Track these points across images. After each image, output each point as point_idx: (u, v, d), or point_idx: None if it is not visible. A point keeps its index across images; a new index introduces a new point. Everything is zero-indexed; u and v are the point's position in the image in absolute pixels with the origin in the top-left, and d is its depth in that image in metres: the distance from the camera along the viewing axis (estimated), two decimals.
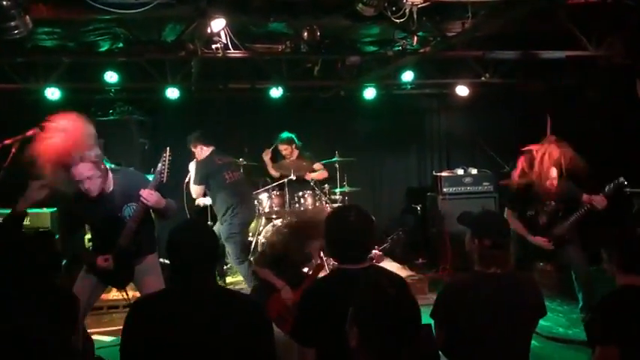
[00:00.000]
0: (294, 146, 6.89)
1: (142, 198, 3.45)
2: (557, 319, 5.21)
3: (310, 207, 6.41)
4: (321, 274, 4.28)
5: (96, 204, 3.51)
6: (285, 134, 6.91)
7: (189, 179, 6.04)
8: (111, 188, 3.58)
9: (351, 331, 1.74)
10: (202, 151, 5.92)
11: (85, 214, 3.63)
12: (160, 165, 3.51)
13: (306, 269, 4.41)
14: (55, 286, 2.49)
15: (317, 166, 6.93)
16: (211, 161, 5.87)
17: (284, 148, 6.89)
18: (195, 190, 5.91)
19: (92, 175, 3.39)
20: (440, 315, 2.62)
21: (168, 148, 3.55)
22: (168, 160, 3.51)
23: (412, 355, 1.71)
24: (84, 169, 3.36)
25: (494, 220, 2.85)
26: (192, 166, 6.00)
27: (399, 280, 2.21)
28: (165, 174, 3.49)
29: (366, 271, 2.42)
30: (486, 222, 2.76)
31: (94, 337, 4.94)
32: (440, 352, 2.58)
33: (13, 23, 3.83)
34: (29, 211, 5.45)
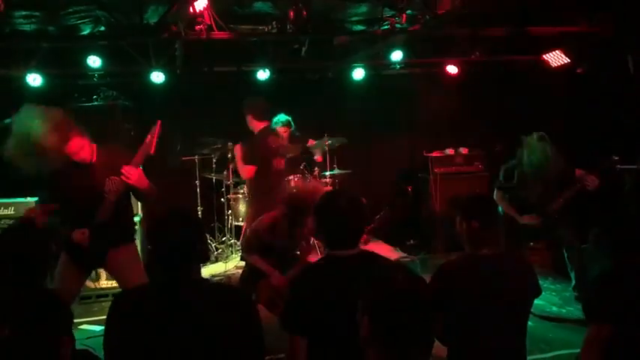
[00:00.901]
0: (290, 130, 6.75)
1: (123, 175, 3.35)
2: (550, 298, 5.20)
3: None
4: (311, 258, 4.26)
5: (77, 175, 3.41)
6: (284, 116, 6.73)
7: (233, 158, 5.72)
8: (94, 160, 3.48)
9: (361, 322, 1.68)
10: (255, 125, 5.67)
11: (65, 187, 3.45)
12: (148, 136, 3.42)
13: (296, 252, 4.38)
14: (41, 289, 2.32)
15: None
16: (265, 143, 5.66)
17: (283, 131, 6.72)
18: (245, 170, 5.61)
19: (84, 143, 3.39)
20: (434, 300, 2.56)
21: (159, 122, 3.47)
22: (158, 133, 3.43)
23: (425, 346, 1.65)
24: (77, 140, 3.34)
25: (481, 201, 2.83)
26: (241, 146, 5.73)
27: (406, 269, 2.16)
28: (153, 146, 3.41)
29: (359, 257, 2.36)
30: (474, 204, 2.76)
31: (83, 326, 4.90)
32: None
33: None
34: (13, 200, 5.40)
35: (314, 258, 4.37)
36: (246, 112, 5.76)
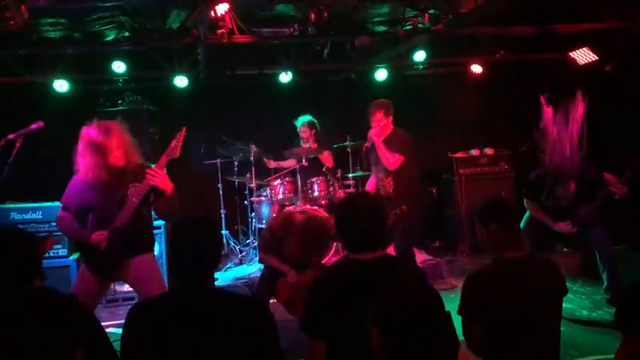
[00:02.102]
0: (313, 131, 6.74)
1: (148, 175, 3.37)
2: (581, 302, 5.07)
3: (322, 196, 6.29)
4: (329, 259, 4.27)
5: (105, 183, 3.44)
6: (308, 117, 6.73)
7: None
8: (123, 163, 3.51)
9: (372, 331, 1.64)
10: (387, 120, 5.52)
11: (90, 193, 3.50)
12: (174, 141, 3.46)
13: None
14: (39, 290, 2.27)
15: (325, 153, 6.75)
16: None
17: (303, 131, 6.72)
18: (399, 160, 5.30)
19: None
20: (471, 311, 2.53)
21: (184, 128, 3.52)
22: (183, 138, 3.47)
23: (441, 355, 1.61)
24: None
25: (497, 204, 2.80)
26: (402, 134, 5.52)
27: (419, 277, 2.12)
28: (178, 150, 3.45)
29: (380, 262, 2.32)
30: (490, 207, 2.74)
31: (109, 330, 4.94)
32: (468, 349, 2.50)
33: (7, 14, 3.74)
34: (41, 205, 5.47)
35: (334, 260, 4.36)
36: (374, 109, 5.48)
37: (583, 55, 6.55)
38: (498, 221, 2.61)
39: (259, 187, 6.94)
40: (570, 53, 6.61)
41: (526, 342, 2.48)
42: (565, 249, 5.52)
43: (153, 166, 3.49)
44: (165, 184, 3.43)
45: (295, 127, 6.79)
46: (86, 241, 3.42)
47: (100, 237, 3.39)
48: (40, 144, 5.37)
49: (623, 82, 6.31)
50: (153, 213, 3.72)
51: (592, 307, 4.94)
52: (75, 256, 5.41)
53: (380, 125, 5.40)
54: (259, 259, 4.87)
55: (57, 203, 5.51)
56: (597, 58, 6.40)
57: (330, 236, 4.44)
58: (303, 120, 6.71)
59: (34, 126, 3.65)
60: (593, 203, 4.55)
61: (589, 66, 6.56)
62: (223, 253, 6.95)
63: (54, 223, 5.36)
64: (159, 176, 3.38)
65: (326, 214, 4.57)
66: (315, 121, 6.75)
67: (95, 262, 3.49)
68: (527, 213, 4.83)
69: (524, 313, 2.47)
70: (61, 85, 6.43)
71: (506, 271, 2.56)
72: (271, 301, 4.40)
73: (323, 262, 4.69)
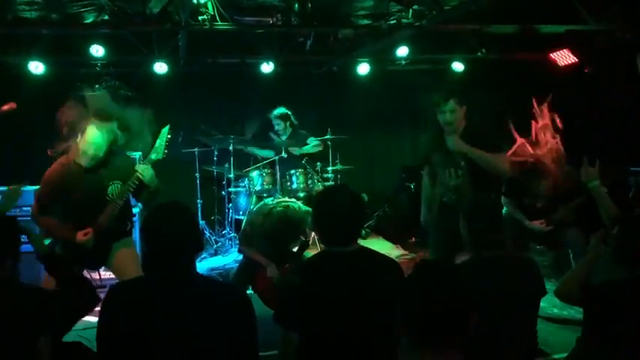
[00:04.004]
0: (288, 123, 6.68)
1: (137, 172, 3.38)
2: (552, 300, 5.03)
3: (301, 188, 6.27)
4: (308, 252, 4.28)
5: (84, 177, 3.41)
6: (281, 109, 6.67)
7: None
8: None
9: (398, 321, 1.69)
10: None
11: (73, 189, 3.46)
12: (157, 142, 3.47)
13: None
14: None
15: (311, 140, 6.69)
16: None
17: (277, 123, 6.67)
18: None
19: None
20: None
21: (168, 126, 3.53)
22: (167, 138, 3.49)
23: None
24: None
25: (484, 204, 2.79)
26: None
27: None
28: (163, 151, 3.48)
29: (356, 255, 2.31)
30: (477, 206, 2.73)
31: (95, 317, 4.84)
32: None
33: None
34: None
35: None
36: (459, 105, 4.33)
37: (563, 57, 6.62)
38: (484, 222, 2.59)
39: (237, 178, 6.88)
40: (550, 54, 6.67)
41: (503, 342, 2.46)
42: (538, 246, 5.57)
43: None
44: (153, 182, 3.45)
45: None
46: (70, 240, 3.38)
47: (86, 236, 3.36)
48: (14, 126, 5.25)
49: (603, 84, 6.39)
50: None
51: (563, 306, 4.99)
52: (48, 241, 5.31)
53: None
54: (239, 249, 4.87)
55: (30, 187, 5.45)
56: (577, 60, 6.47)
57: (308, 230, 4.45)
58: (276, 112, 6.65)
59: (5, 107, 3.57)
60: (570, 204, 4.59)
61: (568, 68, 6.63)
62: None
63: (26, 209, 5.31)
64: (147, 175, 3.40)
65: (305, 208, 4.57)
66: (290, 113, 6.68)
67: (79, 256, 3.45)
68: (505, 210, 4.86)
69: (500, 313, 2.44)
70: (36, 67, 6.28)
71: (482, 269, 2.55)
72: (248, 292, 4.40)
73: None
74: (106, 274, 5.37)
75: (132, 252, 3.68)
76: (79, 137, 3.37)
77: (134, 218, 4.25)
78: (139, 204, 5.42)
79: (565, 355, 3.93)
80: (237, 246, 6.72)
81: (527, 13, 5.67)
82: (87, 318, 4.74)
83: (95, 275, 5.35)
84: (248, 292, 4.40)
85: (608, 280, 2.47)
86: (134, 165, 3.52)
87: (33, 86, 6.45)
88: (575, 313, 4.76)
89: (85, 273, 4.99)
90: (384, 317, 2.04)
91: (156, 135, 3.52)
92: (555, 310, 4.89)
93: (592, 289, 2.51)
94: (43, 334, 2.08)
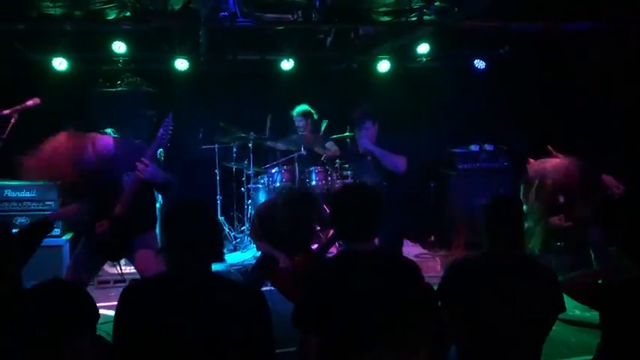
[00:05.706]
0: (309, 120, 6.66)
1: (137, 170, 3.34)
2: (573, 302, 5.04)
3: (320, 185, 6.24)
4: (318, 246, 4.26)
5: (98, 171, 3.40)
6: (304, 106, 6.64)
7: None
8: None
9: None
10: None
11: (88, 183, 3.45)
12: (161, 130, 3.42)
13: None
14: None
15: (329, 144, 6.69)
16: None
17: (299, 120, 6.66)
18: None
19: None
20: (444, 296, 2.46)
21: (171, 114, 3.47)
22: (170, 126, 3.43)
23: None
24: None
25: (505, 203, 2.67)
26: None
27: None
28: (167, 139, 3.43)
29: (376, 255, 2.29)
30: (497, 205, 2.62)
31: (101, 311, 4.90)
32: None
33: None
34: (12, 183, 5.43)
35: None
36: (364, 118, 5.37)
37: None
38: (505, 224, 2.49)
39: (257, 175, 6.88)
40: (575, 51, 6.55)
41: (499, 347, 2.37)
42: (558, 243, 5.48)
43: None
44: (156, 177, 3.39)
45: None
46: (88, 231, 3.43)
47: (102, 227, 3.38)
48: (38, 121, 5.31)
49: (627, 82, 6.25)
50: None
51: (585, 308, 4.91)
52: (68, 236, 5.38)
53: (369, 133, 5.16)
54: (255, 245, 4.87)
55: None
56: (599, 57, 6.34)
57: (315, 217, 4.43)
58: (299, 109, 6.62)
59: (30, 102, 3.61)
60: (589, 201, 4.52)
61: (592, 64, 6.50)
62: None
63: (48, 202, 5.40)
64: (146, 172, 3.33)
65: (312, 194, 4.53)
66: (312, 111, 6.65)
67: (98, 245, 3.47)
68: (524, 207, 4.81)
69: (502, 317, 2.34)
70: (60, 63, 6.37)
71: (491, 267, 2.44)
72: (267, 288, 4.41)
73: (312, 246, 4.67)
74: (126, 269, 5.44)
75: (152, 246, 3.60)
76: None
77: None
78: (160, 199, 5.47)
79: (586, 358, 3.90)
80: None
81: (551, 10, 5.57)
82: (105, 312, 4.83)
83: (115, 269, 5.46)
84: (268, 287, 4.42)
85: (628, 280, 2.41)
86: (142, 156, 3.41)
87: (56, 82, 6.53)
88: (597, 315, 4.68)
89: (106, 267, 5.12)
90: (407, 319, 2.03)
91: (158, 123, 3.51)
92: (577, 312, 4.82)
93: (609, 288, 2.44)
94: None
